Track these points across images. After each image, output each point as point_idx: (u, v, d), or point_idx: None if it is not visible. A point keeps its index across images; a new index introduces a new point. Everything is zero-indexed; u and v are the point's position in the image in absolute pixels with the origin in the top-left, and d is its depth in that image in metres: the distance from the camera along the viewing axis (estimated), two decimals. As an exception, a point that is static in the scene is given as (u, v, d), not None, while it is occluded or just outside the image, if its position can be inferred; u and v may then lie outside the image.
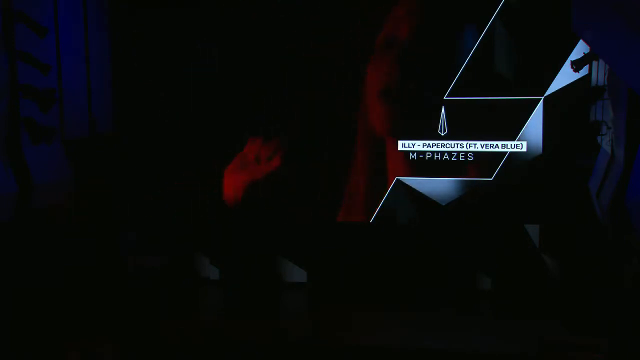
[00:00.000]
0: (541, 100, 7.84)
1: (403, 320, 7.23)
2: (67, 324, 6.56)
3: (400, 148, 8.20)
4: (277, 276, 8.47)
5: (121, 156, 8.53)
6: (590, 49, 7.31)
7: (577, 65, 7.46)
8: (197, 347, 6.40)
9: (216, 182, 8.48)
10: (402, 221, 8.33)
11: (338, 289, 8.12)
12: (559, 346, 5.79)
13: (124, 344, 6.23)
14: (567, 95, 7.77)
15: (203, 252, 8.59)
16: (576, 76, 7.68)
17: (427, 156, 8.14)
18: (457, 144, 8.06)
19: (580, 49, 7.59)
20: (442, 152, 8.10)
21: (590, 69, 7.65)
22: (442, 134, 8.08)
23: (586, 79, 7.69)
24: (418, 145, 8.16)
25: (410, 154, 8.18)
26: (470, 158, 8.06)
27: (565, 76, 7.74)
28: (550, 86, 7.80)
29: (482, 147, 8.04)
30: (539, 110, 7.86)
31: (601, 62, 7.44)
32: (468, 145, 8.05)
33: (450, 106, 8.03)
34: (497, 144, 8.00)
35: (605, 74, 7.43)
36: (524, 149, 7.95)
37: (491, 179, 8.04)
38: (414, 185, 8.23)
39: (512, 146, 7.96)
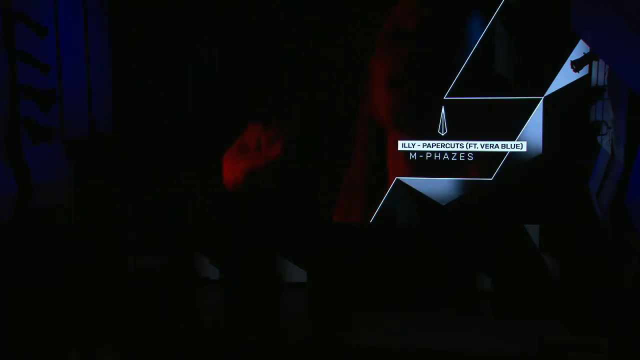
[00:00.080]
0: (541, 100, 7.84)
1: (403, 320, 7.23)
2: (67, 324, 6.56)
3: (400, 148, 8.20)
4: (277, 276, 8.47)
5: (121, 156, 8.53)
6: (590, 49, 7.31)
7: (577, 65, 7.47)
8: (197, 347, 6.40)
9: (216, 181, 8.49)
10: (402, 221, 8.33)
11: (338, 289, 8.12)
12: (559, 346, 5.79)
13: (124, 344, 6.23)
14: (567, 95, 7.77)
15: (203, 252, 8.59)
16: (576, 76, 7.68)
17: (427, 156, 8.14)
18: (457, 144, 8.06)
19: (580, 49, 7.59)
20: (442, 152, 8.10)
21: (590, 69, 7.65)
22: (442, 134, 8.08)
23: (586, 79, 7.70)
24: (418, 145, 8.16)
25: (410, 154, 8.18)
26: (470, 158, 8.06)
27: (565, 76, 7.74)
28: (550, 86, 7.80)
29: (482, 147, 8.04)
30: (539, 110, 7.86)
31: (601, 62, 7.44)
32: (468, 145, 8.05)
33: (450, 106, 8.03)
34: (497, 144, 8.00)
35: (605, 74, 7.43)
36: (524, 149, 7.95)
37: (491, 179, 8.04)
38: (414, 185, 8.23)
39: (512, 146, 7.96)
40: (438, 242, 8.14)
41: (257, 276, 8.44)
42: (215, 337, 6.59)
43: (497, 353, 6.38)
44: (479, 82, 7.93)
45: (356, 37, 8.12)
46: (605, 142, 7.50)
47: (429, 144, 8.12)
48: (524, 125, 7.90)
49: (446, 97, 8.01)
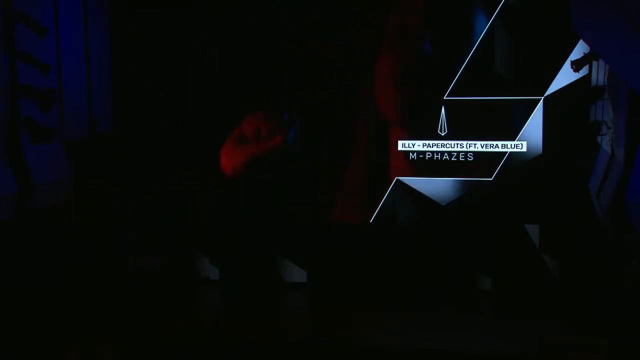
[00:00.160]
0: (541, 100, 7.84)
1: (403, 320, 7.23)
2: (67, 324, 6.56)
3: (400, 148, 8.20)
4: (277, 276, 8.47)
5: (121, 156, 8.53)
6: (590, 49, 7.31)
7: (577, 65, 7.46)
8: (197, 347, 6.40)
9: (216, 181, 8.48)
10: (402, 221, 8.33)
11: (338, 289, 8.11)
12: (559, 346, 5.79)
13: (124, 344, 6.23)
14: (567, 95, 7.77)
15: (203, 252, 8.59)
16: (576, 76, 7.68)
17: (427, 156, 8.14)
18: (457, 144, 8.06)
19: (580, 49, 7.59)
20: (442, 152, 8.10)
21: (590, 69, 7.64)
22: (442, 134, 8.08)
23: (586, 79, 7.69)
24: (418, 145, 8.16)
25: (410, 154, 8.18)
26: (470, 158, 8.06)
27: (565, 76, 7.74)
28: (550, 86, 7.80)
29: (482, 147, 8.04)
30: (539, 110, 7.86)
31: (601, 62, 7.44)
32: (468, 145, 8.05)
33: (450, 106, 8.04)
34: (497, 144, 8.00)
35: (605, 74, 7.43)
36: (524, 149, 7.95)
37: (491, 179, 8.04)
38: (414, 185, 8.23)
39: (512, 146, 7.96)
40: (438, 242, 8.14)
41: (257, 276, 8.43)
42: (215, 337, 6.60)
43: (497, 353, 6.38)
44: (479, 82, 7.93)
45: (356, 37, 8.12)
46: (605, 142, 7.50)
47: (429, 144, 8.13)
48: (524, 125, 7.90)
49: (446, 97, 8.01)
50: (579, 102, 7.74)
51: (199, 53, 8.44)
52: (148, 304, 7.73)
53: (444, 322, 7.21)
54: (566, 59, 7.64)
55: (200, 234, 8.63)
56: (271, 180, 8.39)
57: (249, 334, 6.74)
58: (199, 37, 8.42)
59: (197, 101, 8.48)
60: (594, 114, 7.72)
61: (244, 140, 8.34)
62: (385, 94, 8.19)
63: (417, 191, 8.22)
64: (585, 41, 7.20)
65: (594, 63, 7.58)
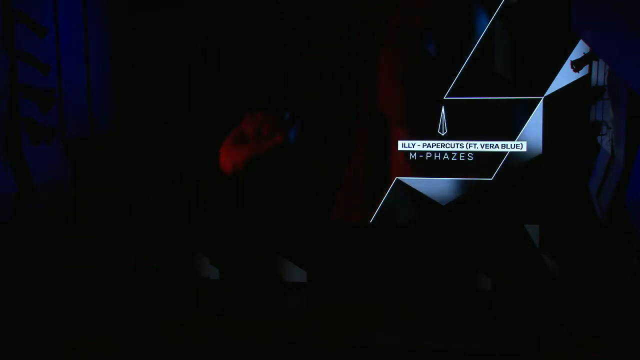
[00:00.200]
0: (541, 100, 7.84)
1: (403, 320, 7.23)
2: (67, 324, 6.56)
3: (400, 148, 8.20)
4: (277, 276, 8.47)
5: (121, 156, 8.53)
6: (590, 49, 7.31)
7: (577, 65, 7.47)
8: (197, 347, 6.40)
9: (216, 181, 8.48)
10: (402, 221, 8.33)
11: (338, 289, 8.11)
12: (559, 346, 5.79)
13: (124, 344, 6.22)
14: (567, 95, 7.77)
15: (203, 252, 8.59)
16: (576, 76, 7.68)
17: (427, 156, 8.14)
18: (457, 144, 8.06)
19: (580, 49, 7.59)
20: (442, 152, 8.10)
21: (590, 69, 7.65)
22: (442, 134, 8.08)
23: (586, 79, 7.69)
24: (418, 145, 8.16)
25: (410, 154, 8.18)
26: (470, 158, 8.06)
27: (565, 76, 7.74)
28: (550, 86, 7.80)
29: (482, 147, 8.04)
30: (539, 110, 7.86)
31: (601, 62, 7.44)
32: (468, 145, 8.05)
33: (450, 106, 8.04)
34: (497, 144, 8.00)
35: (605, 74, 7.43)
36: (524, 149, 7.95)
37: (491, 179, 8.04)
38: (414, 185, 8.23)
39: (512, 146, 7.96)
40: (438, 242, 8.14)
41: (257, 276, 8.43)
42: (215, 337, 6.60)
43: (497, 353, 6.38)
44: (479, 82, 7.93)
45: (356, 37, 8.12)
46: (605, 142, 7.50)
47: (429, 144, 8.12)
48: (524, 125, 7.91)
49: (446, 97, 8.01)
50: (579, 102, 7.75)
51: (199, 53, 8.44)
52: (148, 304, 7.74)
53: (444, 322, 7.21)
54: (566, 59, 7.64)
55: (200, 234, 8.63)
56: (271, 180, 8.39)
57: (249, 334, 6.74)
58: (199, 37, 8.42)
59: (197, 101, 8.48)
60: (594, 114, 7.72)
61: (245, 139, 8.35)
62: (385, 94, 8.19)
63: (417, 191, 8.22)
64: (585, 41, 7.21)
65: (594, 63, 7.59)
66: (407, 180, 8.23)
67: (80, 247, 7.73)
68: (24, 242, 6.88)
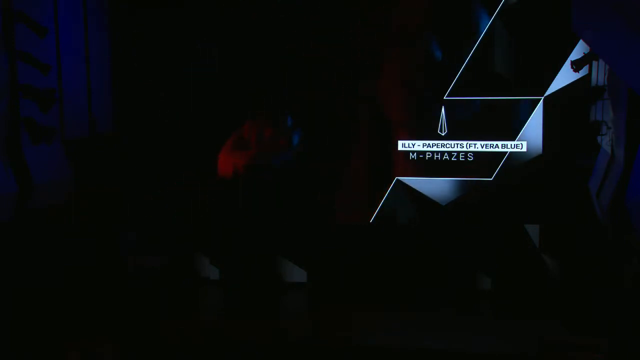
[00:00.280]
0: (541, 100, 7.84)
1: (403, 320, 7.23)
2: (67, 324, 6.56)
3: (400, 148, 8.20)
4: (277, 276, 8.47)
5: (121, 156, 8.53)
6: (590, 49, 7.31)
7: (577, 65, 7.47)
8: (197, 347, 6.40)
9: (216, 181, 8.49)
10: (402, 221, 8.33)
11: (338, 289, 8.11)
12: (559, 346, 5.79)
13: (124, 344, 6.22)
14: (567, 95, 7.78)
15: (203, 252, 8.59)
16: (576, 76, 7.68)
17: (427, 156, 8.14)
18: (457, 144, 8.06)
19: (580, 49, 7.59)
20: (442, 152, 8.10)
21: (590, 69, 7.65)
22: (442, 134, 8.08)
23: (586, 79, 7.70)
24: (418, 145, 8.16)
25: (410, 154, 8.18)
26: (470, 158, 8.06)
27: (565, 76, 7.74)
28: (550, 86, 7.81)
29: (482, 147, 8.04)
30: (539, 110, 7.86)
31: (601, 62, 7.44)
32: (468, 145, 8.05)
33: (450, 106, 8.04)
34: (497, 144, 8.00)
35: (605, 74, 7.43)
36: (524, 149, 7.95)
37: (491, 179, 8.04)
38: (414, 185, 8.23)
39: (512, 146, 7.97)
40: (438, 242, 8.13)
41: (257, 276, 8.43)
42: (215, 337, 6.60)
43: (497, 353, 6.38)
44: (479, 82, 7.93)
45: (356, 37, 8.12)
46: (605, 142, 7.50)
47: (429, 144, 8.12)
48: (524, 125, 7.91)
49: (446, 97, 8.01)
50: (579, 102, 7.75)
51: (199, 53, 8.44)
52: (148, 304, 7.74)
53: (444, 322, 7.21)
54: (566, 59, 7.65)
55: (200, 234, 8.63)
56: (271, 180, 8.39)
57: (249, 334, 6.74)
58: (199, 37, 8.42)
59: (197, 101, 8.48)
60: (594, 114, 7.72)
61: (245, 144, 8.37)
62: (385, 94, 8.18)
63: (417, 191, 8.22)
64: (585, 41, 7.21)
65: (594, 63, 7.59)
66: (407, 180, 8.23)
67: (80, 247, 7.72)
68: (24, 242, 6.88)
